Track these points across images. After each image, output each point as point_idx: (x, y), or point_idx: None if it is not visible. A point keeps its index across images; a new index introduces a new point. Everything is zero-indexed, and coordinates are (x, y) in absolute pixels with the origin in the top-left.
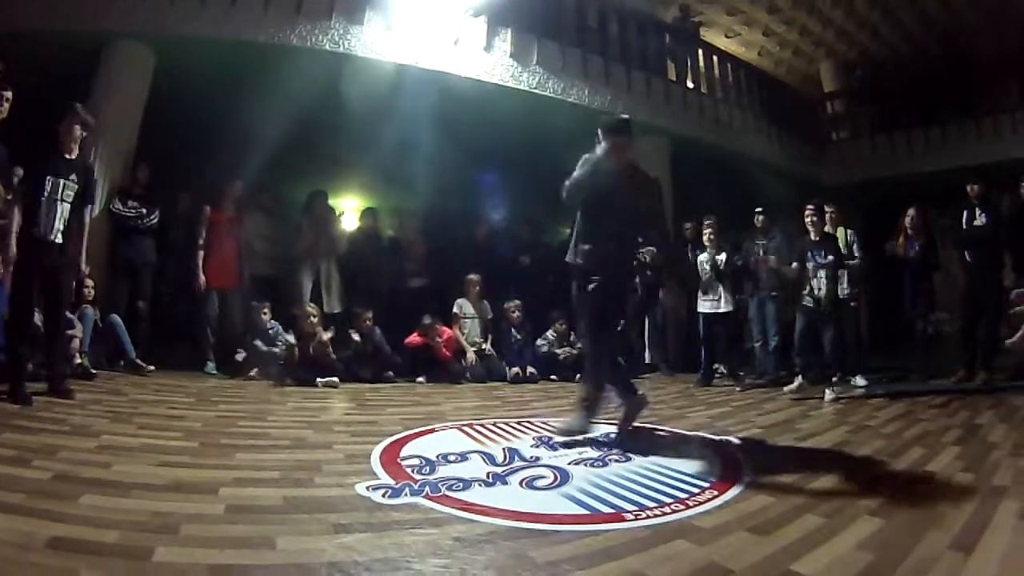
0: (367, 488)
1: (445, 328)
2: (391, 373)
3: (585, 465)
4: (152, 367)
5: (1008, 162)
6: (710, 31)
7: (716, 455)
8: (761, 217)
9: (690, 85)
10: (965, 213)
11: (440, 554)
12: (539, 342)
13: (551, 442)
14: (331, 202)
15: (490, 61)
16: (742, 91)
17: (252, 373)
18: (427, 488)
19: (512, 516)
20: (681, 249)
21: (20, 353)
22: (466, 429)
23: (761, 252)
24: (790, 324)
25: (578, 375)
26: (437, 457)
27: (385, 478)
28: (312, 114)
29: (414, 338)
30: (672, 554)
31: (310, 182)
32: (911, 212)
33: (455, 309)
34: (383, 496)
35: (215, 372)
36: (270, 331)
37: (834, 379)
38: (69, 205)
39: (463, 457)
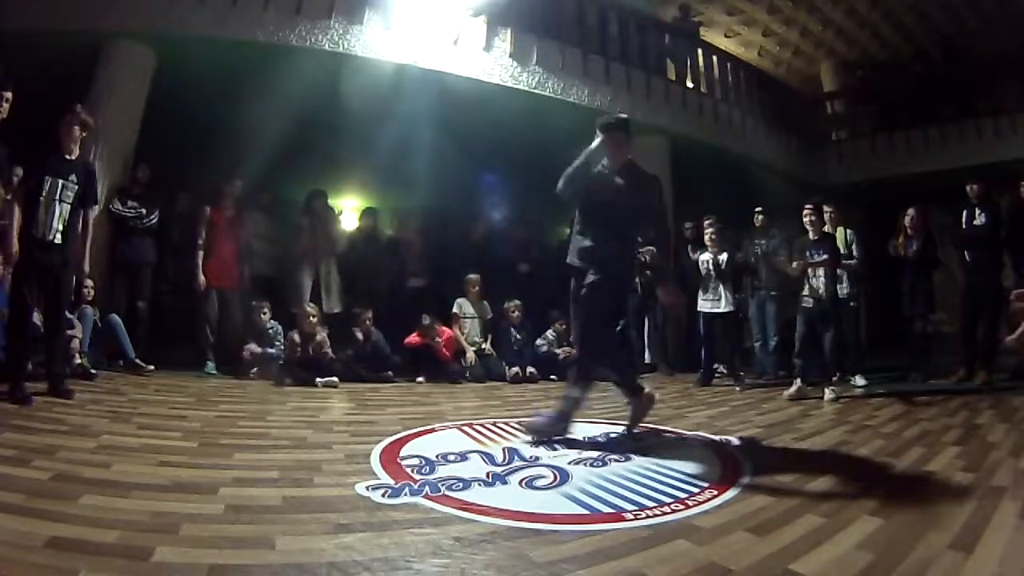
0: (367, 488)
1: (445, 328)
2: (391, 373)
3: (585, 465)
4: (152, 367)
5: (1008, 162)
6: (710, 31)
7: (716, 455)
8: (761, 217)
9: (690, 85)
10: (965, 213)
11: (440, 554)
12: (539, 342)
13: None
14: (331, 202)
15: (490, 61)
16: (742, 91)
17: (252, 373)
18: (427, 488)
19: (512, 516)
20: (670, 254)
21: (20, 353)
22: (466, 429)
23: (760, 251)
24: (790, 324)
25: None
26: (437, 457)
27: (385, 478)
28: (312, 114)
29: (414, 338)
30: (672, 554)
31: (310, 182)
32: (911, 212)
33: (455, 309)
34: (383, 496)
35: (215, 372)
36: (270, 331)
37: (834, 379)
38: (69, 205)
39: (463, 457)
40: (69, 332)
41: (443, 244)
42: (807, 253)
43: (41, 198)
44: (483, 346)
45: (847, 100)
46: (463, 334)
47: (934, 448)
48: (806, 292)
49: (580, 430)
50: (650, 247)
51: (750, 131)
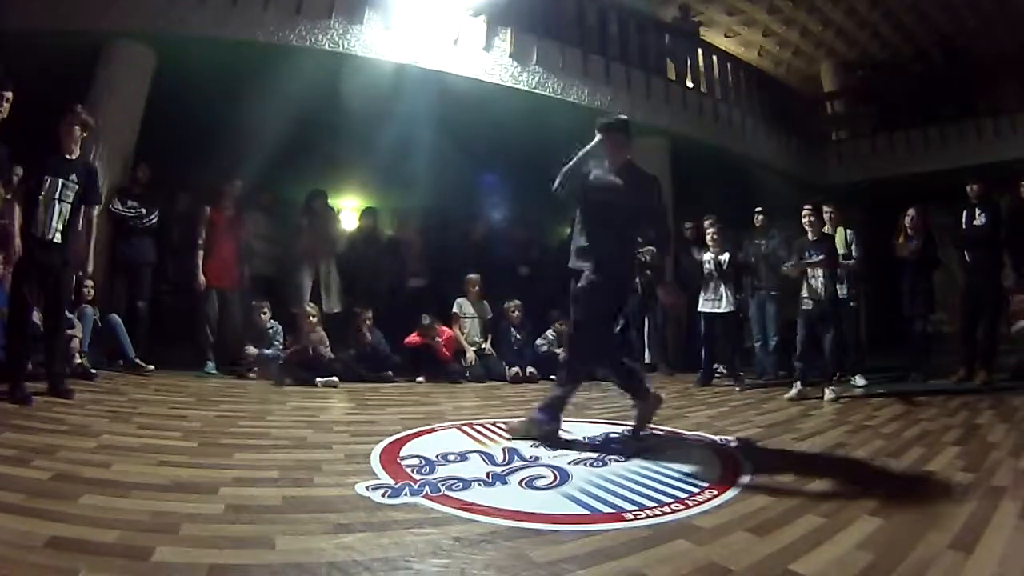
0: (367, 488)
1: (445, 328)
2: (391, 373)
3: (585, 465)
4: (152, 367)
5: (1008, 162)
6: (710, 31)
7: (716, 455)
8: (761, 217)
9: (690, 85)
10: (965, 213)
11: (440, 554)
12: (539, 342)
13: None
14: (331, 202)
15: (490, 61)
16: (742, 91)
17: (252, 373)
18: (427, 488)
19: (512, 516)
20: (671, 255)
21: (20, 352)
22: (466, 429)
23: (761, 251)
24: (790, 324)
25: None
26: (437, 457)
27: (385, 478)
28: (312, 114)
29: (414, 338)
30: (672, 554)
31: (310, 182)
32: (911, 212)
33: (455, 309)
34: (383, 496)
35: (215, 372)
36: (270, 331)
37: (834, 379)
38: (69, 205)
39: (463, 457)
40: (69, 332)
41: (443, 244)
42: (805, 254)
43: (40, 197)
44: (483, 346)
45: (847, 100)
46: (463, 334)
47: (934, 448)
48: (805, 294)
49: (580, 430)
50: (650, 247)
51: (750, 131)
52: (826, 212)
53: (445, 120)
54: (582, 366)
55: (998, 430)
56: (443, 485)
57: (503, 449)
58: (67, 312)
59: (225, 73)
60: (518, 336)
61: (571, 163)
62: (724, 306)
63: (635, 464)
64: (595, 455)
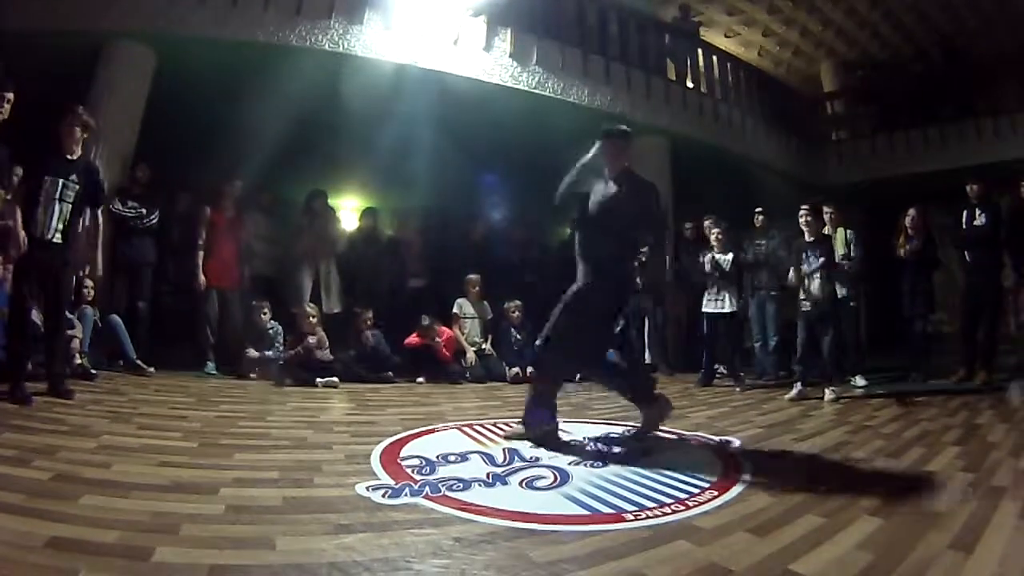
0: (367, 488)
1: (445, 328)
2: (391, 373)
3: (585, 465)
4: (152, 367)
5: (1008, 162)
6: (710, 31)
7: (716, 455)
8: (761, 217)
9: (690, 85)
10: (965, 213)
11: (440, 554)
12: (539, 342)
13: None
14: (331, 202)
15: (490, 61)
16: (742, 91)
17: (252, 373)
18: (427, 488)
19: (512, 516)
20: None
21: (20, 352)
22: (466, 429)
23: (762, 252)
24: (790, 324)
25: (578, 376)
26: (437, 457)
27: (385, 478)
28: (312, 114)
29: (414, 338)
30: (672, 554)
31: (310, 182)
32: (911, 212)
33: (455, 309)
34: (383, 496)
35: (215, 372)
36: (270, 331)
37: (833, 379)
38: (70, 205)
39: (463, 457)
40: (69, 332)
41: (443, 244)
42: (803, 254)
43: (40, 197)
44: (483, 346)
45: (847, 100)
46: (463, 334)
47: (934, 448)
48: (803, 296)
49: (580, 430)
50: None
51: (750, 131)
52: (826, 212)
53: (445, 120)
54: (563, 366)
55: (998, 430)
56: (443, 485)
57: (503, 450)
58: (67, 312)
59: (225, 73)
60: (518, 336)
61: (571, 176)
62: (727, 306)
63: (635, 464)
64: (595, 455)
